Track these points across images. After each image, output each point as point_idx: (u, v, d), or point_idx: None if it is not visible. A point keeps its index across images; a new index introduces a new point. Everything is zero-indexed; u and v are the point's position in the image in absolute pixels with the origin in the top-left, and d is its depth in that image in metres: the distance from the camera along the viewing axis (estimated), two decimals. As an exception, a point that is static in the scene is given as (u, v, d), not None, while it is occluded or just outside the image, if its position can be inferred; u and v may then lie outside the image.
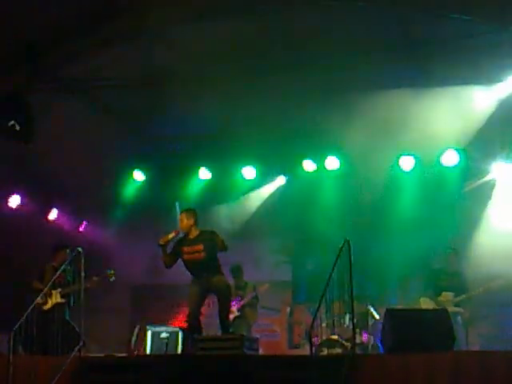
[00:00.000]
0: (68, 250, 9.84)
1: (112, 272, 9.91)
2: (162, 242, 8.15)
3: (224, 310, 8.24)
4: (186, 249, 8.16)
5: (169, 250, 8.27)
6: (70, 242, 10.40)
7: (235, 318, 10.40)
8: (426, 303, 9.65)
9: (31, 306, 8.15)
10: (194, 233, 8.21)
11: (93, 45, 9.21)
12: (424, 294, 9.81)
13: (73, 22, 8.82)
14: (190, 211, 8.38)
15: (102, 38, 9.11)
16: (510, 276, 9.35)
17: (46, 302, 9.54)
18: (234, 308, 10.36)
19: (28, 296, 9.32)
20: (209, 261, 8.07)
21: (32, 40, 8.83)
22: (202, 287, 8.13)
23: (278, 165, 12.03)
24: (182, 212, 8.44)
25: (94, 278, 9.69)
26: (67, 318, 9.52)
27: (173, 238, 8.23)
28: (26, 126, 9.21)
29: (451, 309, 8.81)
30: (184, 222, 8.24)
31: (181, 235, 8.34)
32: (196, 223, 8.23)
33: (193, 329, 8.16)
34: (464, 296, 9.45)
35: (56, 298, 9.63)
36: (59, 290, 9.63)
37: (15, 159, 10.42)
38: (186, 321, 8.25)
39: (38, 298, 9.29)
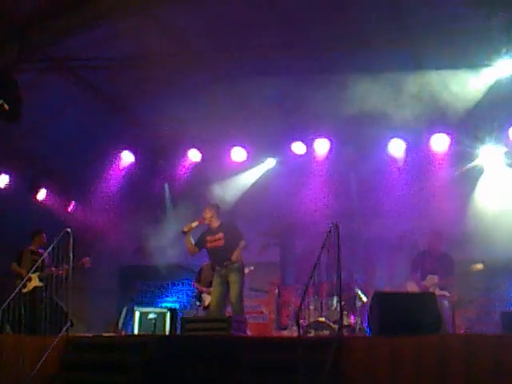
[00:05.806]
0: (44, 234, 10.15)
1: (87, 259, 9.94)
2: (185, 230, 8.82)
3: (235, 296, 8.62)
4: (209, 238, 8.93)
5: (194, 240, 8.92)
6: (58, 223, 10.40)
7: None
8: (411, 287, 9.70)
9: (16, 290, 8.34)
10: (216, 224, 8.95)
11: (80, 25, 9.10)
12: (410, 277, 9.86)
13: (59, 2, 8.73)
14: (212, 205, 9.15)
15: (89, 18, 9.01)
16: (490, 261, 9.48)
17: (25, 286, 9.65)
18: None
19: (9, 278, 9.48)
20: (228, 247, 8.75)
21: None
22: (222, 277, 8.74)
23: (267, 147, 11.99)
24: (206, 206, 9.11)
25: (66, 266, 9.71)
26: (54, 298, 9.52)
27: (196, 226, 8.86)
28: (13, 105, 9.13)
29: (437, 292, 8.86)
30: (208, 214, 8.95)
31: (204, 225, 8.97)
32: (217, 215, 8.97)
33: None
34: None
35: (35, 281, 9.80)
36: (37, 273, 9.72)
37: (3, 139, 10.33)
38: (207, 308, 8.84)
39: (20, 283, 9.38)
